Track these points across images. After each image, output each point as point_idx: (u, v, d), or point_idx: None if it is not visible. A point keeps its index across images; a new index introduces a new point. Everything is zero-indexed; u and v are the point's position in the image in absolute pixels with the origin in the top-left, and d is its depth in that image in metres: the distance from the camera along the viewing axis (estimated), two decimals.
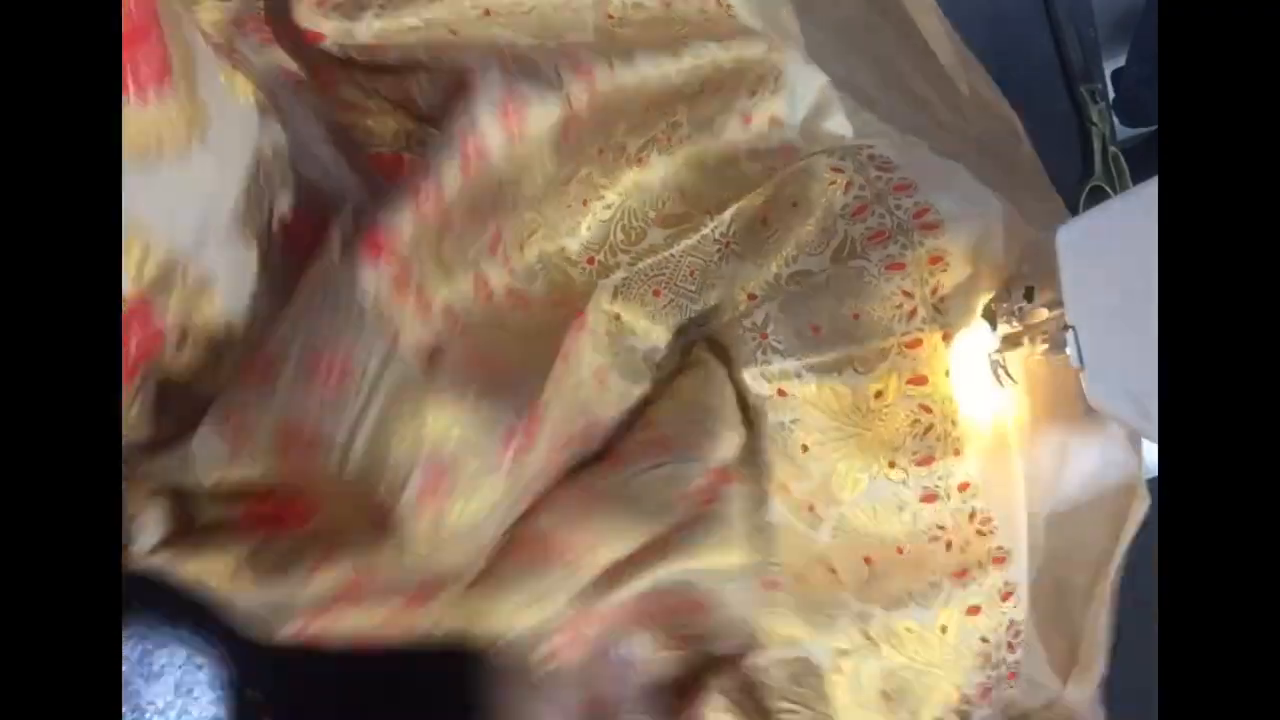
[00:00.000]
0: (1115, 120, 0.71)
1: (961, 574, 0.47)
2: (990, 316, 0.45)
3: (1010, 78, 0.65)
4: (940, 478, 0.45)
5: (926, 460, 0.45)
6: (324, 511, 0.39)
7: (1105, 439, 0.49)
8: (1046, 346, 0.42)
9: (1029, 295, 0.44)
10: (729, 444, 0.45)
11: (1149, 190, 0.35)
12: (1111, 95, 0.72)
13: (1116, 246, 0.37)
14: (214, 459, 0.37)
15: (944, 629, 0.48)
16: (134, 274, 0.35)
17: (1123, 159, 0.71)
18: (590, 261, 0.47)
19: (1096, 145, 0.71)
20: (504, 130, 0.43)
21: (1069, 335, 0.39)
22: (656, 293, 0.47)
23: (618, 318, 0.47)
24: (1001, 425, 0.46)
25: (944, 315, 0.44)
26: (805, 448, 0.45)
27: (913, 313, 0.44)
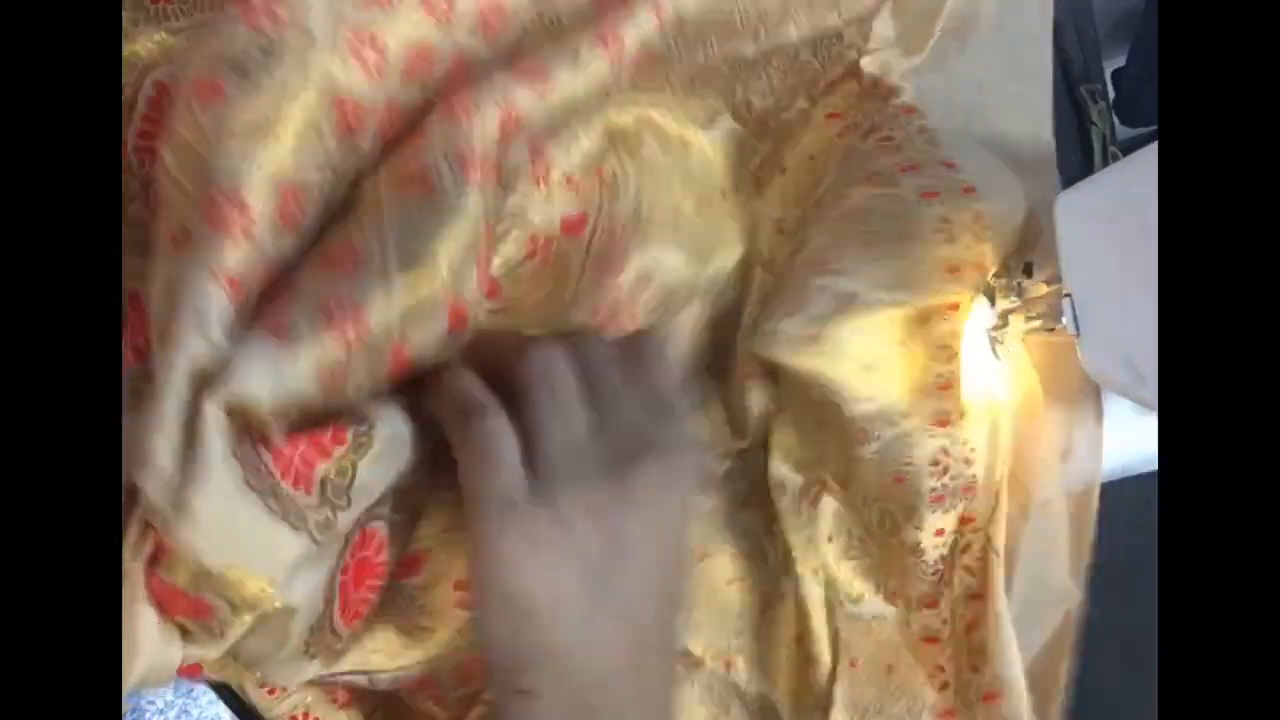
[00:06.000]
0: (1115, 120, 0.72)
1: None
2: (989, 292, 0.45)
3: None
4: None
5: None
6: None
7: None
8: (1045, 320, 0.43)
9: (1028, 270, 0.44)
10: None
11: (1146, 157, 0.36)
12: (1111, 95, 0.72)
13: (1113, 212, 0.37)
14: None
15: None
16: None
17: (1123, 158, 0.72)
18: None
19: (1096, 145, 0.72)
20: None
21: (1065, 303, 0.39)
22: None
23: None
24: (998, 402, 0.46)
25: None
26: None
27: None
